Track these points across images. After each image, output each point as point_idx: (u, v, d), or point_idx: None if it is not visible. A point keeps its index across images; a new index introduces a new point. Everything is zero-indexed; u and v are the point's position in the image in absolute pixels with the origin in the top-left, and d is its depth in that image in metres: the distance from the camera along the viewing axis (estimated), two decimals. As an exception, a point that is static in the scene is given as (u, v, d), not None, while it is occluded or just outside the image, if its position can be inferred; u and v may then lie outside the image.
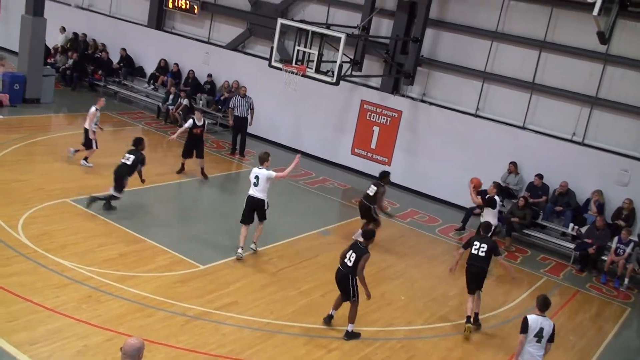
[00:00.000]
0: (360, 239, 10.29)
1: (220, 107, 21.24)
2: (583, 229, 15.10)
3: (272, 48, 16.36)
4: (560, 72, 16.55)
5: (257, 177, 12.08)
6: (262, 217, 12.36)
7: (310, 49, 15.59)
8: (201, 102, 21.55)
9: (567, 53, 16.42)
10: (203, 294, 10.63)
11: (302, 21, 16.18)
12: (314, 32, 15.53)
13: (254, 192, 12.11)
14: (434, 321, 11.23)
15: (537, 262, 14.98)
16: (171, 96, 21.18)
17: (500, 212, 16.08)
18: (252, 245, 12.38)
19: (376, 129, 18.98)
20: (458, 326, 11.16)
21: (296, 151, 19.84)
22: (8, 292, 9.42)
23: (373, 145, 19.07)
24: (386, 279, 12.71)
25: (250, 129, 19.46)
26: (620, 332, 12.29)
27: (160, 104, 21.49)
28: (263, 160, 12.22)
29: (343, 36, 15.07)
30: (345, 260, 9.99)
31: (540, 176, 16.03)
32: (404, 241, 14.83)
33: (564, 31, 16.40)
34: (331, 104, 19.63)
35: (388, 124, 18.78)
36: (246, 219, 12.21)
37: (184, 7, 22.79)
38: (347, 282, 9.96)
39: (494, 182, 15.65)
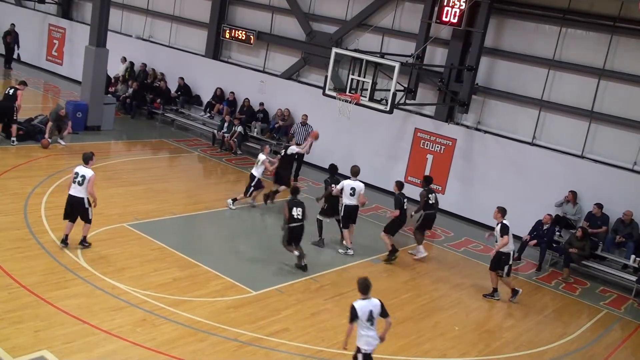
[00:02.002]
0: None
1: (274, 135, 21.47)
2: (645, 261, 14.59)
3: (326, 77, 16.50)
4: (620, 100, 16.18)
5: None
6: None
7: (364, 77, 15.66)
8: (256, 129, 21.85)
9: (627, 81, 16.05)
10: (255, 319, 10.67)
11: (356, 50, 16.29)
12: (368, 61, 15.60)
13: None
14: (488, 353, 10.97)
15: (596, 295, 14.52)
16: (226, 124, 21.53)
17: (556, 242, 15.79)
18: None
19: (430, 157, 18.86)
20: (513, 359, 10.87)
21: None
22: (66, 314, 9.64)
23: (427, 173, 18.90)
24: (439, 308, 12.51)
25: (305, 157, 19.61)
26: (685, 369, 11.78)
27: (215, 132, 21.87)
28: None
29: (397, 65, 15.11)
30: None
31: (599, 205, 15.61)
32: (458, 270, 14.60)
33: (624, 59, 16.05)
34: (385, 132, 19.62)
35: (442, 152, 18.64)
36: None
37: (240, 37, 23.25)
38: None
39: (548, 214, 15.40)
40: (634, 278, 14.67)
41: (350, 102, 15.83)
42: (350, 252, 14.35)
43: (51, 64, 28.91)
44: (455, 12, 17.10)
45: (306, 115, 19.56)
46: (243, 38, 23.18)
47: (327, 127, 20.15)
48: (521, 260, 15.64)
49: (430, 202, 14.82)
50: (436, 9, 17.56)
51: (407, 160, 19.31)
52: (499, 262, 12.95)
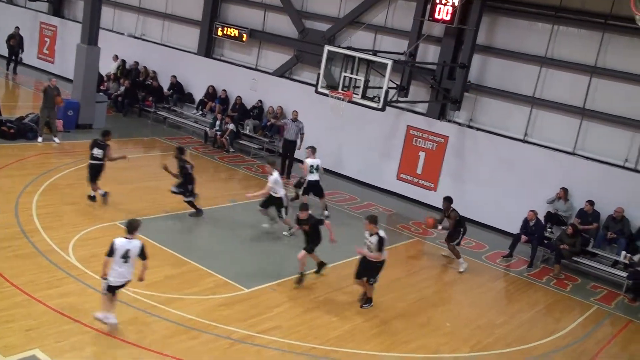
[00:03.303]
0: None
1: (267, 132, 21.47)
2: (636, 257, 14.65)
3: (318, 74, 16.50)
4: (612, 98, 16.25)
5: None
6: None
7: (356, 75, 15.67)
8: (248, 127, 21.84)
9: (618, 78, 16.12)
10: (247, 317, 10.67)
11: (348, 48, 16.29)
12: (360, 59, 15.61)
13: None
14: (480, 349, 11.01)
15: (587, 291, 14.59)
16: (218, 122, 21.52)
17: (548, 238, 15.85)
18: None
19: (422, 154, 18.89)
20: (504, 354, 10.92)
21: (341, 176, 19.89)
22: (58, 313, 9.61)
23: (419, 171, 18.96)
24: (432, 305, 12.54)
25: (296, 153, 19.59)
26: (676, 365, 11.85)
27: (207, 129, 21.85)
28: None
29: (390, 62, 15.12)
30: None
31: (591, 202, 15.68)
32: (449, 267, 14.63)
33: (615, 56, 16.12)
34: (377, 129, 19.64)
35: (434, 149, 18.67)
36: None
37: (233, 35, 23.22)
38: None
39: (531, 211, 15.46)
40: (624, 274, 14.75)
41: (342, 100, 15.83)
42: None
43: (43, 62, 28.78)
44: (448, 9, 17.15)
45: (297, 112, 19.56)
46: (236, 36, 23.15)
47: (319, 124, 20.18)
48: (513, 257, 15.69)
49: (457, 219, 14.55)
50: (428, 6, 17.61)
51: (400, 157, 19.33)
52: (373, 270, 11.54)
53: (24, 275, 10.72)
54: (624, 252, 14.90)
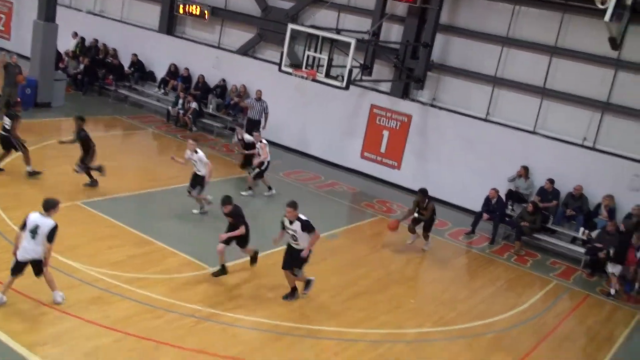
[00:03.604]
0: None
1: (230, 111, 21.30)
2: (594, 234, 15.00)
3: (282, 53, 16.41)
4: (572, 78, 16.49)
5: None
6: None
7: (320, 54, 15.61)
8: (211, 105, 21.64)
9: (578, 58, 16.36)
10: (212, 295, 10.65)
11: (312, 26, 16.22)
12: (324, 37, 15.54)
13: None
14: (443, 324, 11.18)
15: (547, 266, 14.90)
16: (181, 100, 21.28)
17: (509, 216, 16.13)
18: None
19: (386, 133, 18.98)
20: (467, 329, 11.11)
21: (306, 155, 19.92)
22: (18, 293, 9.44)
23: (383, 149, 19.06)
24: (396, 282, 12.67)
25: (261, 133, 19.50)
26: (630, 336, 12.19)
27: (170, 108, 21.58)
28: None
29: (353, 41, 15.10)
30: None
31: (551, 181, 15.96)
32: (413, 245, 14.77)
33: (575, 37, 16.34)
34: (341, 108, 19.64)
35: (398, 128, 18.77)
36: None
37: (194, 12, 22.87)
38: None
39: (493, 189, 15.71)
40: (582, 250, 15.10)
41: (306, 79, 15.80)
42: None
43: (-2, 39, 28.05)
44: (411, -12, 17.15)
45: (260, 91, 19.43)
46: (197, 13, 22.81)
47: (283, 103, 20.11)
48: (475, 234, 15.92)
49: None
50: (392, -15, 17.57)
51: (363, 136, 19.39)
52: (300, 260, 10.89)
53: (-18, 255, 10.51)
54: (582, 229, 15.25)
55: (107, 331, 9.09)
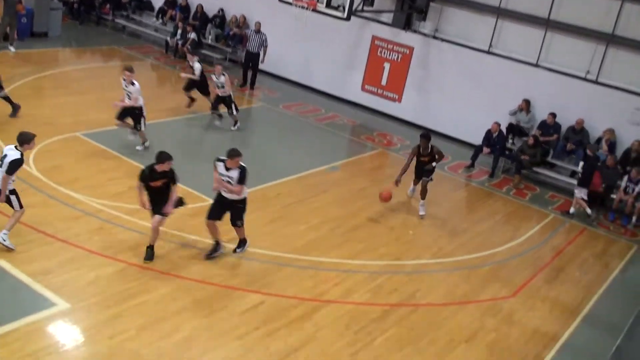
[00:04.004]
0: None
1: (229, 42, 21.00)
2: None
3: (282, -19, 16.05)
4: (576, 9, 16.14)
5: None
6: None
7: (321, -18, 15.28)
8: (210, 36, 21.31)
9: (584, -12, 16.03)
10: (213, 227, 10.73)
11: (312, -47, 15.78)
12: (324, -35, 15.18)
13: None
14: (441, 256, 11.34)
15: (545, 200, 15.00)
16: (179, 31, 20.94)
17: (509, 149, 16.12)
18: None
19: (387, 66, 18.76)
20: (465, 261, 11.28)
21: (306, 88, 19.75)
22: (22, 224, 9.51)
23: (384, 82, 18.88)
24: (395, 214, 12.76)
25: (260, 66, 19.29)
26: (626, 268, 12.39)
27: (168, 39, 21.27)
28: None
29: (354, -31, 14.74)
30: None
31: (553, 115, 15.86)
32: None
33: (582, -35, 15.95)
34: (342, 40, 19.34)
35: (399, 60, 18.53)
36: None
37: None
38: None
39: (495, 123, 15.65)
40: (581, 184, 15.15)
41: (306, 9, 15.50)
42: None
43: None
44: None
45: (259, 23, 19.09)
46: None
47: (282, 35, 19.79)
48: (474, 167, 15.96)
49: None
50: None
51: (364, 68, 19.17)
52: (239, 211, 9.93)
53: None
54: (582, 163, 15.24)
55: (109, 261, 9.22)
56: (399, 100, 18.61)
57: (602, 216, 14.48)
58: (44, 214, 10.09)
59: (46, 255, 9.09)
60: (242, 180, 9.49)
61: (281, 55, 20.18)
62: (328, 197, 12.90)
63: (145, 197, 9.44)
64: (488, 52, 17.41)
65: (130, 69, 13.26)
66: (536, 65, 16.81)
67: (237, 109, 15.62)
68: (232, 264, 9.82)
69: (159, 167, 9.25)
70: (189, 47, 20.49)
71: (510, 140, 16.42)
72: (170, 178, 9.36)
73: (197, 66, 15.74)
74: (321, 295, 9.43)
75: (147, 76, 19.49)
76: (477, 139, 16.23)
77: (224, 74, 15.27)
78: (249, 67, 19.23)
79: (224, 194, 9.70)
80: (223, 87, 15.26)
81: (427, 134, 12.93)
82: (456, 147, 17.31)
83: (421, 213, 12.85)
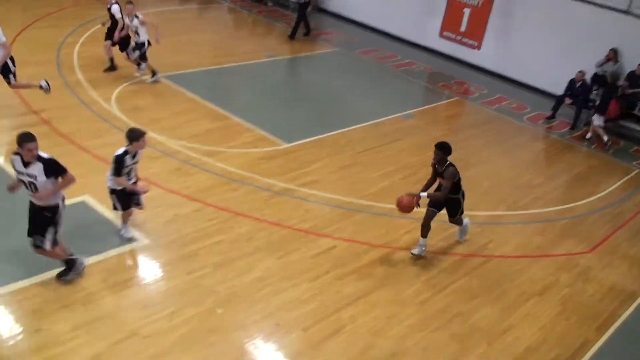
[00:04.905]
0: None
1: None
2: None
3: None
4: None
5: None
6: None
7: None
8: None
9: None
10: (286, 171, 10.84)
11: None
12: None
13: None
14: (516, 208, 11.11)
15: (630, 154, 14.41)
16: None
17: (592, 100, 15.48)
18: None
19: (467, 11, 18.17)
20: (541, 214, 11.02)
21: (381, 33, 19.39)
22: (104, 162, 9.85)
23: (463, 28, 18.33)
24: (470, 164, 12.51)
25: (332, 7, 18.97)
26: None
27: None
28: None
29: None
30: None
31: (643, 65, 15.11)
32: (490, 128, 14.48)
33: None
34: (421, -16, 18.84)
35: (480, 5, 17.91)
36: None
37: None
38: None
39: (579, 72, 15.01)
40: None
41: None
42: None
43: None
44: None
45: None
46: None
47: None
48: (555, 118, 15.43)
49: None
50: None
51: (443, 14, 18.64)
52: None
53: (68, 124, 10.97)
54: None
55: (187, 201, 9.47)
56: (479, 47, 18.07)
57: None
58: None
59: (127, 192, 9.39)
60: (54, 172, 6.91)
61: (361, 2, 19.85)
62: (401, 145, 12.76)
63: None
64: (575, -2, 16.61)
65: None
66: (627, 12, 15.93)
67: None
68: (305, 208, 9.92)
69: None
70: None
71: (594, 92, 15.75)
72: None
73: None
74: (392, 243, 9.44)
75: (223, 19, 19.59)
76: (559, 90, 15.63)
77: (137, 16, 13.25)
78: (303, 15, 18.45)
79: (31, 198, 7.09)
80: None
81: (443, 144, 9.09)
82: (536, 97, 16.75)
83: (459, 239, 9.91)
